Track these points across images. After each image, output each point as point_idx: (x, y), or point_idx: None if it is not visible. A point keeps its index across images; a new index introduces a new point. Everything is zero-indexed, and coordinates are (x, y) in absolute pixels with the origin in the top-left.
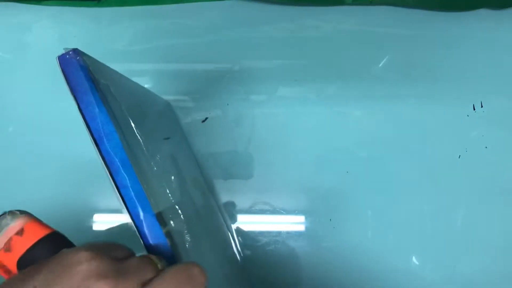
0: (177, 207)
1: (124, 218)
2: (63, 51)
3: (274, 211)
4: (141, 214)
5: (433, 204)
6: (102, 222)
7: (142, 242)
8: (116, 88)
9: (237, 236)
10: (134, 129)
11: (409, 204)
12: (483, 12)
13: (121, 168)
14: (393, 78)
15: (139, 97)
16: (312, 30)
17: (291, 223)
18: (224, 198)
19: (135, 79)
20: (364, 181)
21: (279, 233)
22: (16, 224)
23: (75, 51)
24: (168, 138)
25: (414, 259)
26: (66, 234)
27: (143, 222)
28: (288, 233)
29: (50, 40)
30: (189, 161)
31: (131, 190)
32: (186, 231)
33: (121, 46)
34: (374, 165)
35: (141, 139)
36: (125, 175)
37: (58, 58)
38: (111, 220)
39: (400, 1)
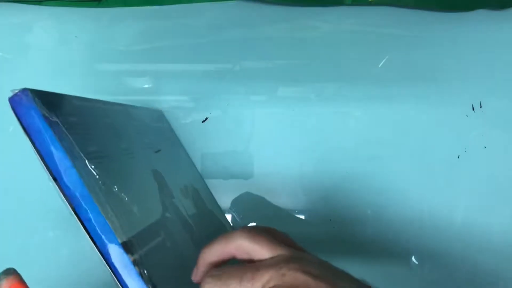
0: (154, 226)
1: None
2: (11, 93)
3: (274, 211)
4: (107, 245)
5: (433, 203)
6: None
7: (111, 273)
8: (74, 119)
9: None
10: (88, 164)
11: (409, 204)
12: (483, 12)
13: (81, 201)
14: (393, 78)
15: (112, 120)
16: (312, 30)
17: (291, 223)
18: (224, 198)
19: (135, 79)
20: (364, 181)
21: None
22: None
23: (24, 91)
24: (159, 151)
25: (414, 259)
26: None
27: (109, 252)
28: (288, 233)
29: (50, 40)
30: (182, 169)
31: (94, 222)
32: (166, 248)
33: (121, 46)
34: (374, 165)
35: (98, 172)
36: (87, 209)
37: (9, 100)
38: None
39: (400, 1)
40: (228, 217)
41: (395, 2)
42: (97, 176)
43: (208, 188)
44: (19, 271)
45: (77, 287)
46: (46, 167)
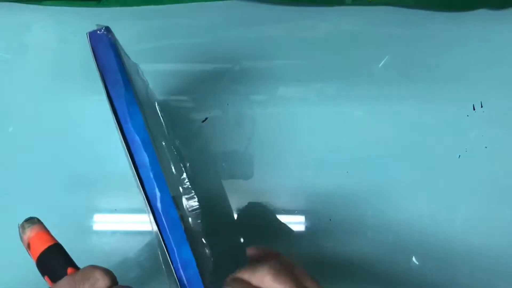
0: (189, 198)
1: (124, 221)
2: (95, 27)
3: (274, 211)
4: (158, 194)
5: (433, 204)
6: (102, 222)
7: (155, 225)
8: (136, 70)
9: (237, 236)
10: (159, 112)
11: (409, 204)
12: (483, 12)
13: (142, 147)
14: (393, 78)
15: (141, 82)
16: (312, 30)
17: (291, 223)
18: (224, 198)
19: None
20: (364, 181)
21: (279, 233)
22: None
23: (107, 28)
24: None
25: (414, 259)
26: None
27: (160, 203)
28: (288, 233)
29: (50, 40)
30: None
31: (150, 169)
32: (194, 227)
33: (122, 46)
34: (374, 165)
35: (164, 123)
36: (146, 154)
37: (89, 34)
38: (111, 220)
39: (400, 1)
40: (229, 217)
41: (395, 2)
42: (164, 125)
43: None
44: (18, 272)
45: None
46: (113, 108)
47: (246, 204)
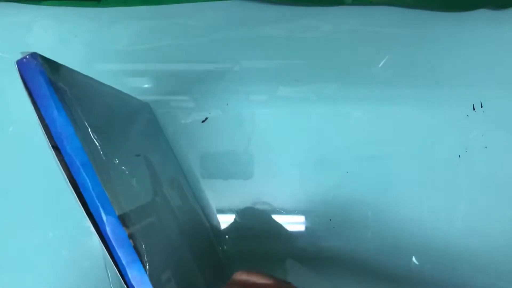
0: (147, 206)
1: None
2: (21, 55)
3: (274, 211)
4: (104, 216)
5: (433, 204)
6: None
7: (102, 246)
8: (77, 90)
9: (237, 236)
10: (91, 133)
11: (409, 204)
12: (483, 12)
13: (81, 169)
14: (393, 78)
15: (108, 100)
16: (312, 30)
17: (291, 223)
18: (224, 198)
19: (135, 79)
20: (364, 181)
21: (279, 233)
22: None
23: (33, 55)
24: (148, 139)
25: (414, 259)
26: (66, 234)
27: (106, 224)
28: (288, 233)
29: (50, 40)
30: (167, 162)
31: (92, 191)
32: (155, 231)
33: (121, 46)
34: (374, 165)
35: (100, 143)
36: (86, 177)
37: (17, 62)
38: None
39: (400, 1)
40: (229, 217)
41: (395, 2)
42: (99, 147)
43: (190, 186)
44: (18, 272)
45: None
46: (47, 134)
47: (246, 204)
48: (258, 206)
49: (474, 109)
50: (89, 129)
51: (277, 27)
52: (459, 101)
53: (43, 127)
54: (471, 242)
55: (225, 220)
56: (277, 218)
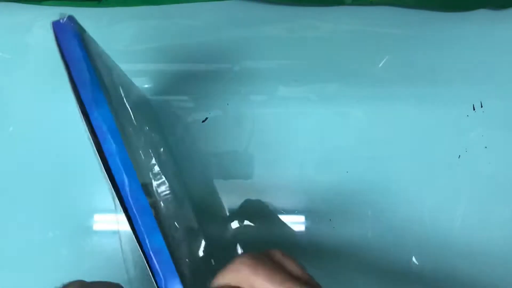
0: (160, 184)
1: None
2: (58, 17)
3: (274, 211)
4: (127, 182)
5: (433, 204)
6: (102, 222)
7: (123, 213)
8: (105, 59)
9: (237, 236)
10: (124, 99)
11: (409, 204)
12: (483, 12)
13: (109, 135)
14: (393, 78)
15: (124, 78)
16: (312, 30)
17: (291, 223)
18: (224, 198)
19: (135, 79)
20: (364, 181)
21: (279, 233)
22: None
23: (70, 18)
24: (152, 127)
25: (414, 259)
26: (66, 234)
27: (128, 191)
28: (288, 233)
29: (50, 40)
30: (169, 157)
31: (117, 157)
32: (166, 212)
33: (121, 46)
34: (374, 165)
35: (131, 111)
36: (113, 142)
37: (53, 23)
38: (111, 220)
39: (400, 1)
40: (228, 217)
41: (396, 2)
42: (131, 113)
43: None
44: (18, 272)
45: None
46: (78, 97)
47: (246, 204)
48: (258, 206)
49: (474, 109)
50: (112, 98)
51: (277, 27)
52: (459, 101)
53: (73, 90)
54: (471, 242)
55: (225, 220)
56: (277, 218)
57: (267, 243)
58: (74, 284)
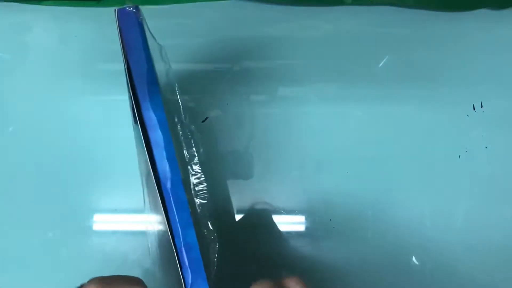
0: (198, 183)
1: (124, 221)
2: (125, 5)
3: (274, 211)
4: (169, 175)
5: (433, 204)
6: (102, 222)
7: (162, 208)
8: (158, 53)
9: (237, 236)
10: (178, 95)
11: (409, 204)
12: (483, 12)
13: (158, 126)
14: (393, 78)
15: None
16: (312, 30)
17: (291, 223)
18: (224, 198)
19: None
20: (364, 181)
21: (279, 233)
22: None
23: (137, 7)
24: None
25: (414, 259)
26: (66, 234)
27: (170, 184)
28: (288, 233)
29: (50, 40)
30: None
31: (164, 150)
32: (200, 211)
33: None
34: (374, 165)
35: (182, 106)
36: (161, 134)
37: (117, 10)
38: (111, 220)
39: (400, 1)
40: (228, 217)
41: (396, 2)
42: (181, 107)
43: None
44: (18, 272)
45: None
46: (132, 85)
47: (246, 204)
48: (258, 206)
49: (474, 109)
50: (161, 90)
51: (277, 27)
52: (459, 101)
53: (128, 80)
54: (471, 242)
55: (225, 220)
56: (277, 218)
57: (267, 243)
58: (94, 281)
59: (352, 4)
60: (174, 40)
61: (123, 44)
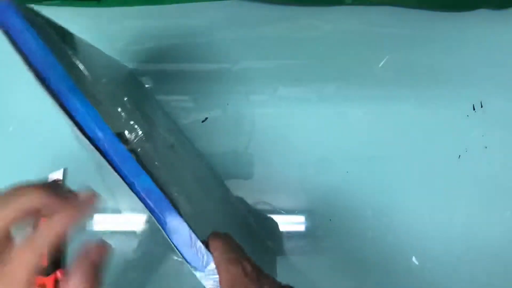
0: (132, 131)
1: (125, 220)
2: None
3: (274, 211)
4: (98, 132)
5: (433, 204)
6: (102, 222)
7: (105, 160)
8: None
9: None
10: (72, 57)
11: (409, 204)
12: (483, 12)
13: (69, 93)
14: (393, 78)
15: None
16: (312, 30)
17: (291, 223)
18: (224, 197)
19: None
20: (364, 181)
21: (279, 233)
22: None
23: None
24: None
25: (414, 259)
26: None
27: (104, 142)
28: (288, 233)
29: None
30: (165, 118)
31: (83, 112)
32: (155, 157)
33: (121, 46)
34: (374, 165)
35: (83, 67)
36: (75, 99)
37: None
38: (111, 220)
39: (400, 1)
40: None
41: (396, 2)
42: (84, 69)
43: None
44: None
45: None
46: (30, 67)
47: (246, 204)
48: (258, 206)
49: (474, 109)
50: (70, 53)
51: (277, 27)
52: (459, 101)
53: (25, 62)
54: (471, 242)
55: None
56: (277, 218)
57: (267, 243)
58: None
59: (352, 4)
60: (174, 40)
61: (5, 32)
